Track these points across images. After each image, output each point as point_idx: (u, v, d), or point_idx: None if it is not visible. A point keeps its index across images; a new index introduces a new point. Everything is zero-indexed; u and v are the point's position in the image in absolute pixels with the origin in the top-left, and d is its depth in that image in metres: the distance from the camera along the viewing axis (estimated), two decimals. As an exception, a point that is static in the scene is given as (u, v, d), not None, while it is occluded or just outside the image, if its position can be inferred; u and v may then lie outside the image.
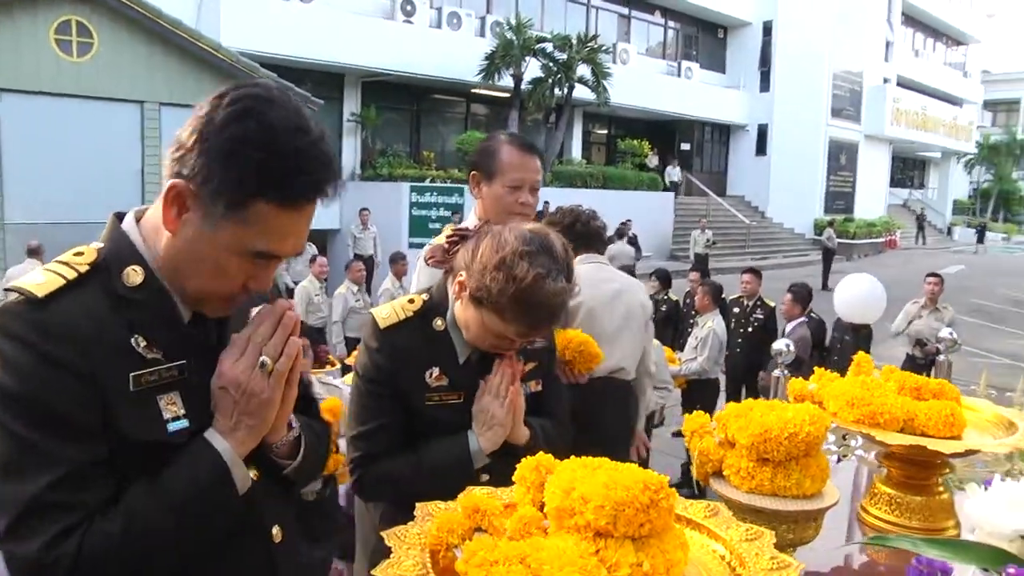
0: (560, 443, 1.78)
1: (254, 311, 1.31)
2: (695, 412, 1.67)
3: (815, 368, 2.03)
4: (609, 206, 17.31)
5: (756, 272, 7.99)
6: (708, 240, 19.58)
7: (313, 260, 9.70)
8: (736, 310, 7.76)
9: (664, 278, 9.07)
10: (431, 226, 16.25)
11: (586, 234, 3.09)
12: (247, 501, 1.23)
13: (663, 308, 8.76)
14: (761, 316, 7.63)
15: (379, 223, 15.00)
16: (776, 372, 2.67)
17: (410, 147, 20.79)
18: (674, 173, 25.52)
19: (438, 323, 1.82)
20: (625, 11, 26.25)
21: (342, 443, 3.24)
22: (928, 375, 2.03)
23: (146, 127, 12.57)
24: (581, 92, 20.45)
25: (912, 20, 35.74)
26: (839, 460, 2.52)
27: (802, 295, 7.22)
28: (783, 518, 1.47)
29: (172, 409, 1.16)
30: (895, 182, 37.03)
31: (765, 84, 29.17)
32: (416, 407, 1.80)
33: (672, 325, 8.75)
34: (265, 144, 1.11)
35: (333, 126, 18.64)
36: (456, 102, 22.17)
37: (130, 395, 1.12)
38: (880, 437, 1.70)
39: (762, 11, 28.79)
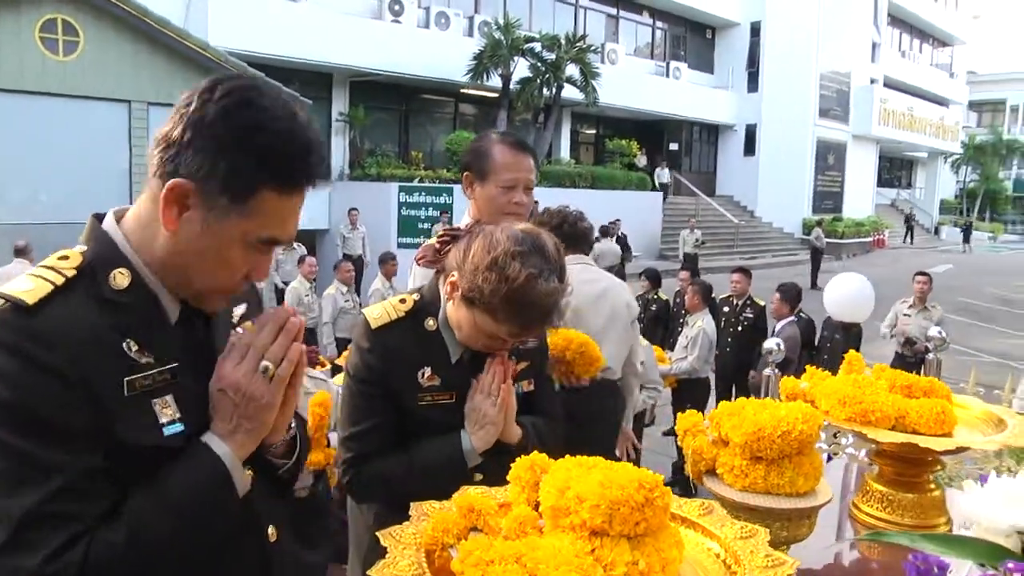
0: (553, 442, 1.78)
1: (236, 310, 1.31)
2: (688, 411, 1.68)
3: (806, 367, 2.04)
4: (598, 206, 17.35)
5: (746, 271, 8.01)
6: (697, 240, 19.64)
7: (302, 260, 9.67)
8: (726, 309, 7.78)
9: (654, 278, 9.08)
10: (420, 226, 16.24)
11: (573, 235, 3.09)
12: (244, 501, 1.22)
13: (653, 307, 8.78)
14: (751, 315, 7.66)
15: (368, 223, 14.97)
16: (767, 371, 2.67)
17: (398, 147, 20.75)
18: (663, 175, 25.57)
19: (430, 323, 1.81)
20: (613, 11, 26.29)
21: (333, 437, 3.23)
22: (917, 374, 2.04)
23: (133, 127, 12.50)
24: (569, 92, 20.46)
25: (898, 21, 35.95)
26: (829, 458, 2.53)
27: (791, 294, 7.24)
28: (777, 516, 1.47)
29: (167, 413, 1.15)
30: (883, 182, 37.24)
31: (753, 84, 29.27)
32: (408, 407, 1.79)
33: (662, 324, 8.77)
34: (266, 132, 1.12)
35: (321, 126, 18.57)
36: (444, 102, 22.15)
37: (124, 400, 1.10)
38: (872, 435, 1.71)
39: (750, 12, 28.89)
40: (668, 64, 27.39)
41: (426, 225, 16.13)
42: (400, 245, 14.86)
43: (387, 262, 9.10)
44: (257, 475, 1.26)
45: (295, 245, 12.05)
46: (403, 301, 1.85)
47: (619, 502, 1.04)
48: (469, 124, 22.07)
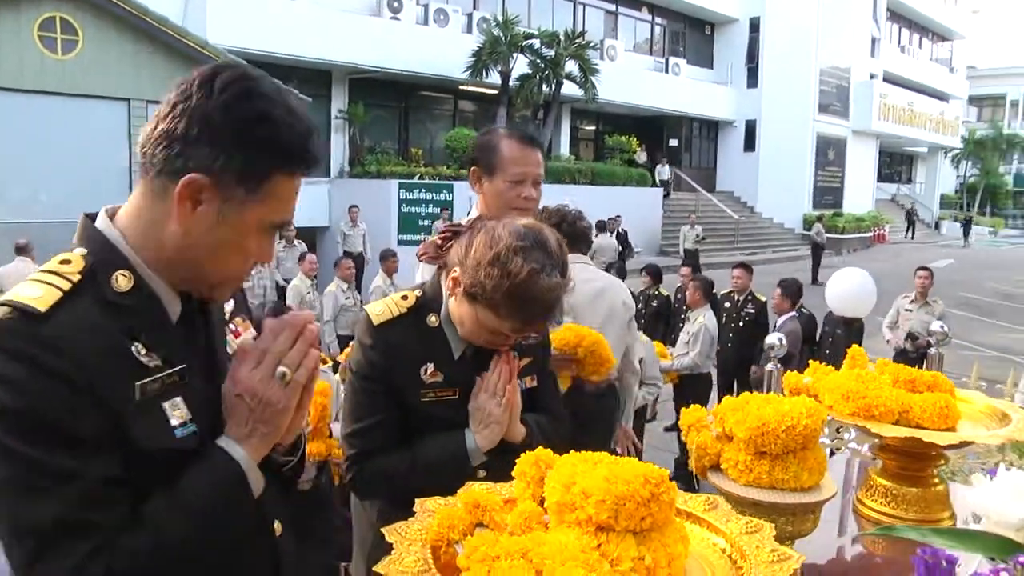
0: (556, 439, 1.77)
1: (227, 307, 1.31)
2: (691, 406, 1.67)
3: (808, 362, 2.04)
4: (598, 202, 17.36)
5: (747, 267, 8.01)
6: (698, 236, 19.64)
7: (303, 258, 9.66)
8: (727, 305, 7.77)
9: (655, 273, 9.08)
10: (420, 223, 16.23)
11: (572, 234, 3.08)
12: (255, 501, 1.22)
13: (654, 303, 8.78)
14: (752, 311, 7.65)
15: (368, 220, 14.97)
16: (768, 366, 2.67)
17: (398, 144, 20.74)
18: (664, 172, 25.54)
19: (432, 319, 1.81)
20: (612, 7, 26.25)
21: (335, 427, 3.23)
22: (920, 368, 2.04)
23: (133, 125, 12.48)
24: (569, 88, 20.44)
25: (898, 16, 35.92)
26: (832, 453, 2.53)
27: (792, 290, 7.23)
28: (781, 511, 1.47)
29: (178, 415, 1.14)
30: (883, 177, 37.22)
31: (753, 80, 29.25)
32: (411, 404, 1.79)
33: (663, 320, 8.76)
34: (273, 120, 1.13)
35: (321, 123, 18.56)
36: (444, 99, 22.13)
37: (136, 404, 1.09)
38: (876, 429, 1.71)
39: (749, 7, 28.86)
40: (667, 60, 27.37)
41: (426, 222, 16.14)
42: (400, 242, 14.86)
43: (388, 259, 9.09)
44: (264, 472, 1.25)
45: (296, 242, 12.04)
46: (405, 297, 1.84)
47: (625, 497, 1.03)
48: (469, 121, 22.05)
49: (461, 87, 20.87)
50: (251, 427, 1.18)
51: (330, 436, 3.25)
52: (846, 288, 7.00)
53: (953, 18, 40.00)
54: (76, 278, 1.09)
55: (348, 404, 1.84)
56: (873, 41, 32.51)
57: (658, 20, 28.02)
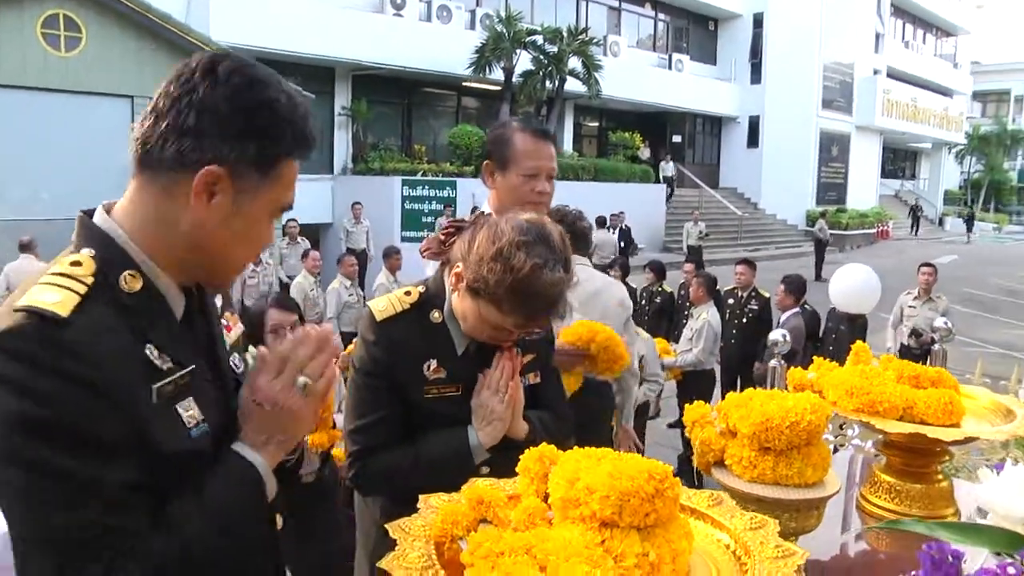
0: (559, 436, 1.77)
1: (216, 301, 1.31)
2: (695, 403, 1.67)
3: (812, 358, 2.03)
4: (601, 198, 17.37)
5: (750, 263, 7.99)
6: (701, 232, 19.61)
7: (306, 255, 9.66)
8: (731, 301, 7.76)
9: (659, 270, 9.07)
10: (424, 219, 16.23)
11: (572, 234, 3.05)
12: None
13: (657, 300, 8.77)
14: (756, 307, 7.64)
15: (371, 217, 14.96)
16: (772, 362, 2.67)
17: (401, 141, 20.74)
18: (668, 168, 25.50)
19: (435, 315, 1.81)
20: (615, 3, 26.22)
21: (338, 418, 3.22)
22: (923, 365, 2.03)
23: (136, 122, 12.46)
24: (572, 85, 20.42)
25: (902, 11, 35.80)
26: (835, 450, 2.52)
27: (795, 286, 7.22)
28: (785, 507, 1.47)
29: (191, 416, 1.14)
30: (886, 173, 37.13)
31: (756, 76, 29.19)
32: (414, 400, 1.78)
33: (667, 317, 8.76)
34: (279, 106, 1.15)
35: (324, 120, 18.55)
36: (447, 95, 22.12)
37: (153, 408, 1.09)
38: (880, 425, 1.70)
39: (752, 3, 28.82)
40: (671, 56, 27.33)
41: (430, 219, 16.14)
42: (404, 239, 14.86)
43: (391, 256, 9.08)
44: None
45: (299, 239, 12.05)
46: (408, 293, 1.84)
47: (629, 493, 1.03)
48: (472, 118, 22.04)
49: (464, 84, 20.88)
50: (269, 435, 1.19)
51: (333, 427, 3.24)
52: (850, 284, 6.98)
53: (957, 13, 39.86)
54: (90, 280, 1.07)
55: (351, 400, 1.83)
56: (877, 36, 32.43)
57: (661, 16, 27.98)
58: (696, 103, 27.65)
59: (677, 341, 7.24)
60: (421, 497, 1.22)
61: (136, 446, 1.05)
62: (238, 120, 1.11)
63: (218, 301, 1.36)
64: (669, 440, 7.05)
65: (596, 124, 27.09)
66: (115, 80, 12.33)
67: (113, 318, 1.07)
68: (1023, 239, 37.08)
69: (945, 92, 39.15)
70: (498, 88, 20.01)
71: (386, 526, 1.12)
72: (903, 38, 36.89)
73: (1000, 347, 11.41)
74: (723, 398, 1.63)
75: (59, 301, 1.03)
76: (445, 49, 19.01)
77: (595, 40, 21.08)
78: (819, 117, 28.94)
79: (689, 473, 5.36)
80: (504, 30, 19.02)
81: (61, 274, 1.07)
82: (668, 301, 8.85)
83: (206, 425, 1.15)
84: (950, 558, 0.88)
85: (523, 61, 19.62)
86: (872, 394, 1.74)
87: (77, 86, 12.06)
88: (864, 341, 2.05)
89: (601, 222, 15.70)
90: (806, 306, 7.27)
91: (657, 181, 24.38)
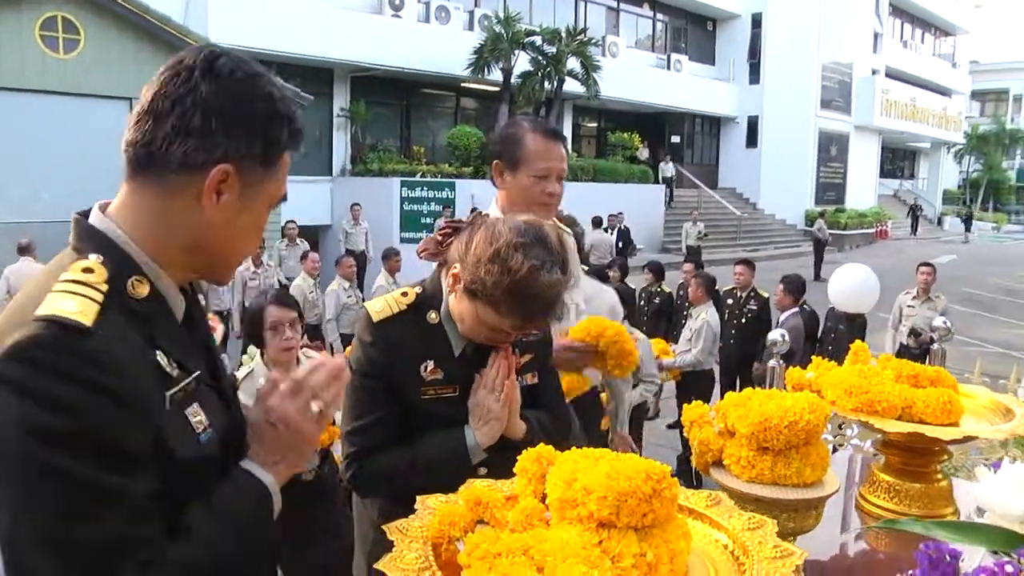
0: (557, 436, 1.77)
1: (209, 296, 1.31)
2: (694, 403, 1.67)
3: (811, 358, 2.03)
4: (600, 199, 17.37)
5: (749, 263, 7.99)
6: (700, 232, 19.61)
7: (305, 257, 9.64)
8: (729, 301, 7.76)
9: (657, 270, 9.06)
10: (422, 221, 16.23)
11: None
12: None
13: (656, 300, 8.76)
14: (755, 307, 7.64)
15: (370, 218, 14.96)
16: (771, 362, 2.67)
17: (400, 142, 20.73)
18: (668, 169, 25.47)
19: (432, 316, 1.80)
20: (614, 4, 26.22)
21: (338, 416, 3.22)
22: (922, 364, 2.03)
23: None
24: (571, 85, 20.42)
25: (900, 11, 35.82)
26: (835, 450, 2.52)
27: (794, 286, 7.22)
28: (784, 507, 1.47)
29: (199, 421, 1.14)
30: (885, 173, 37.14)
31: (755, 76, 29.20)
32: (411, 401, 1.78)
33: (666, 317, 8.75)
34: (276, 100, 1.16)
35: (323, 121, 18.56)
36: (446, 96, 22.12)
37: (166, 414, 1.08)
38: (879, 424, 1.70)
39: (751, 3, 28.82)
40: (669, 56, 27.34)
41: (428, 220, 16.14)
42: (403, 240, 14.86)
43: (390, 258, 9.06)
44: None
45: (298, 241, 12.04)
46: (405, 294, 1.83)
47: (626, 493, 1.03)
48: (470, 118, 22.04)
49: (463, 84, 20.86)
50: (281, 455, 1.20)
51: (333, 423, 3.24)
52: (849, 284, 6.98)
53: (956, 13, 39.90)
54: (104, 288, 1.06)
55: (348, 402, 1.83)
56: (875, 36, 32.45)
57: (660, 16, 27.99)
58: (695, 103, 27.66)
59: (676, 341, 7.23)
60: (418, 498, 1.22)
61: (154, 454, 1.05)
62: (243, 117, 1.12)
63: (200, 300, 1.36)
64: (668, 440, 7.05)
65: (595, 125, 27.09)
66: (113, 82, 12.31)
67: (126, 325, 1.06)
68: (1022, 238, 37.09)
69: (944, 92, 39.17)
70: (497, 89, 20.00)
71: (383, 527, 1.11)
72: (902, 38, 36.91)
73: (999, 346, 11.41)
74: (722, 398, 1.63)
75: (80, 310, 1.01)
76: (443, 50, 19.00)
77: (594, 41, 21.08)
78: (818, 117, 28.95)
79: (688, 473, 5.36)
80: (503, 31, 19.02)
81: (76, 281, 1.05)
82: (667, 301, 8.84)
83: (211, 431, 1.15)
84: (948, 557, 0.88)
85: (522, 62, 19.62)
86: (871, 393, 1.74)
87: (76, 88, 12.05)
88: (863, 341, 2.05)
89: (597, 222, 15.69)
90: (805, 306, 7.27)
91: (656, 181, 24.38)
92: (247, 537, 1.15)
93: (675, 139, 28.65)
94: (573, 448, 1.18)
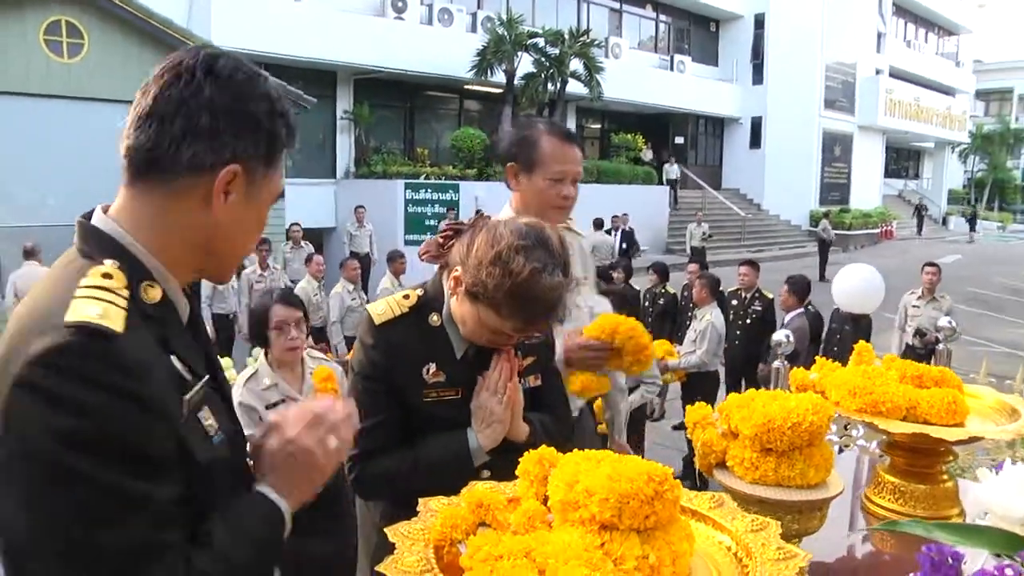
0: (560, 438, 1.76)
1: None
2: (697, 404, 1.66)
3: (815, 359, 2.02)
4: (604, 200, 17.35)
5: (753, 264, 7.98)
6: (704, 233, 19.59)
7: (309, 259, 9.65)
8: (734, 302, 7.75)
9: (662, 271, 9.06)
10: (427, 223, 16.24)
11: None
12: None
13: (661, 301, 8.77)
14: (759, 308, 7.62)
15: (374, 221, 14.96)
16: (776, 363, 2.66)
17: (404, 144, 20.76)
18: (672, 171, 25.45)
19: (434, 318, 1.80)
20: (616, 5, 26.23)
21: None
22: (929, 365, 2.02)
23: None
24: (574, 87, 20.44)
25: (903, 11, 35.75)
26: (840, 450, 2.51)
27: (799, 286, 7.21)
28: (788, 508, 1.46)
29: (211, 424, 1.14)
30: (890, 173, 37.07)
31: (758, 77, 29.19)
32: (413, 403, 1.78)
33: (670, 318, 8.75)
34: (275, 99, 1.17)
35: (326, 124, 18.59)
36: (449, 98, 22.14)
37: (184, 419, 1.08)
38: (883, 425, 1.69)
39: (754, 4, 28.81)
40: (672, 57, 27.33)
41: (433, 222, 16.14)
42: (407, 242, 14.88)
43: (396, 260, 9.06)
44: None
45: (302, 243, 12.05)
46: (407, 297, 1.83)
47: (628, 495, 1.03)
48: (474, 120, 22.07)
49: (466, 86, 20.87)
50: (298, 485, 1.21)
51: None
52: (853, 284, 6.96)
53: (959, 12, 39.80)
54: (125, 293, 1.06)
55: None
56: (879, 36, 32.40)
57: (663, 18, 27.99)
58: (698, 104, 27.64)
59: (681, 343, 7.22)
60: (420, 501, 1.21)
61: (178, 459, 1.05)
62: (248, 117, 1.13)
63: None
64: (674, 442, 7.04)
65: (598, 126, 27.09)
66: (117, 86, 12.31)
67: (145, 330, 1.06)
68: (1028, 238, 36.98)
69: (948, 91, 39.09)
70: (500, 91, 20.03)
71: (385, 530, 1.11)
72: (905, 37, 36.84)
73: (1005, 346, 11.37)
74: (727, 399, 1.62)
75: (109, 316, 1.01)
76: (446, 52, 19.02)
77: (596, 42, 21.09)
78: (821, 117, 28.90)
79: (693, 475, 5.35)
80: (505, 33, 19.04)
81: (98, 287, 1.04)
82: (671, 303, 8.84)
83: (222, 433, 1.16)
84: (950, 560, 0.87)
85: (525, 63, 19.64)
86: (875, 394, 1.73)
87: (80, 92, 12.07)
88: (868, 341, 2.04)
89: (598, 224, 15.67)
90: (810, 307, 7.26)
91: (660, 183, 24.36)
92: (261, 558, 1.17)
93: (679, 140, 28.64)
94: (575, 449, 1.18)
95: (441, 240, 1.84)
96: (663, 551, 1.04)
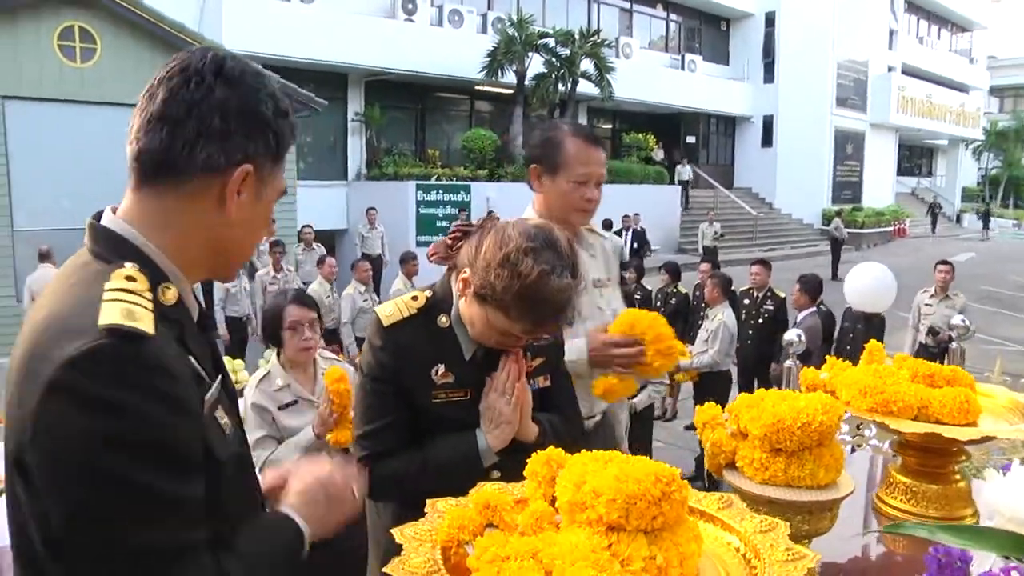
0: (569, 438, 1.76)
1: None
2: (706, 404, 1.66)
3: (826, 357, 2.01)
4: (615, 200, 17.29)
5: (765, 263, 7.95)
6: (716, 233, 19.54)
7: (321, 261, 9.67)
8: (746, 302, 7.72)
9: (673, 271, 9.05)
10: (438, 224, 16.26)
11: None
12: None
13: (672, 301, 8.75)
14: (771, 307, 7.60)
15: (386, 222, 14.99)
16: (787, 362, 2.65)
17: (415, 146, 20.79)
18: (685, 172, 25.37)
19: (442, 320, 1.80)
20: (627, 5, 26.19)
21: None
22: (942, 363, 2.01)
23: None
24: (585, 87, 20.42)
25: (916, 7, 35.52)
26: (853, 450, 2.50)
27: (811, 286, 7.18)
28: (798, 509, 1.45)
29: (226, 423, 1.16)
30: (902, 170, 36.82)
31: (769, 75, 29.07)
32: (422, 405, 1.78)
33: (682, 318, 8.72)
34: (279, 97, 1.19)
35: (338, 126, 18.64)
36: (460, 100, 22.16)
37: (205, 418, 1.10)
38: (894, 425, 1.68)
39: (765, 2, 28.70)
40: (683, 57, 27.27)
41: (444, 223, 16.18)
42: (419, 243, 14.90)
43: (408, 262, 9.06)
44: None
45: (315, 245, 12.08)
46: (415, 298, 1.83)
47: (635, 496, 1.02)
48: (485, 121, 22.08)
49: (477, 87, 20.89)
50: (321, 518, 1.25)
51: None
52: (864, 283, 6.92)
53: (973, 7, 39.47)
54: (150, 296, 1.07)
55: (359, 406, 1.83)
56: (891, 33, 32.21)
57: (673, 17, 27.93)
58: (709, 103, 27.57)
59: (693, 342, 7.20)
60: (428, 502, 1.22)
61: (202, 458, 1.06)
62: (258, 117, 1.14)
63: None
64: (686, 442, 7.02)
65: (609, 126, 27.05)
66: (130, 90, 12.34)
67: (168, 332, 1.07)
68: (1043, 236, 36.68)
69: (961, 88, 38.81)
70: (511, 92, 20.04)
71: (392, 531, 1.11)
72: (917, 34, 36.60)
73: (1020, 344, 11.29)
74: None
75: (139, 318, 1.02)
76: (457, 53, 19.04)
77: (607, 42, 21.07)
78: (833, 115, 28.76)
79: (706, 475, 5.33)
80: (516, 33, 19.04)
81: (125, 290, 1.05)
82: (683, 302, 8.82)
83: (234, 428, 1.18)
84: (958, 562, 0.86)
85: (535, 64, 19.64)
86: (886, 393, 1.72)
87: (93, 96, 12.14)
88: (881, 340, 2.03)
89: (607, 225, 15.63)
90: (822, 306, 7.23)
91: (672, 182, 24.31)
92: (280, 572, 1.19)
93: (690, 139, 28.57)
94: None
95: (449, 241, 1.85)
96: (670, 552, 1.03)
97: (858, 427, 2.63)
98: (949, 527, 1.00)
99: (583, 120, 24.44)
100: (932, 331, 7.73)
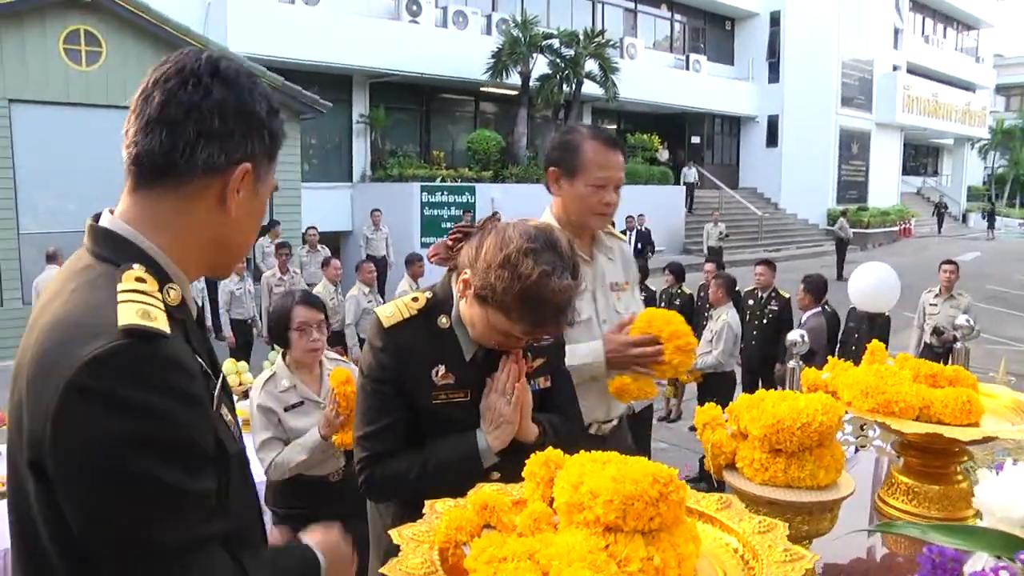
0: (570, 439, 1.76)
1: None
2: (707, 405, 1.66)
3: (828, 358, 2.01)
4: (621, 200, 17.29)
5: (770, 264, 7.94)
6: (721, 233, 19.52)
7: (326, 263, 9.67)
8: (750, 302, 7.71)
9: (678, 272, 9.04)
10: (443, 225, 16.27)
11: None
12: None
13: (677, 302, 8.74)
14: (776, 308, 7.58)
15: (391, 224, 15.01)
16: (791, 363, 2.64)
17: (420, 147, 20.80)
18: (690, 174, 25.33)
19: (443, 321, 1.81)
20: (631, 5, 26.17)
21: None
22: (946, 363, 2.00)
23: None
24: (589, 88, 20.42)
25: (921, 6, 35.42)
26: (857, 451, 2.49)
27: (816, 286, 7.17)
28: (798, 509, 1.45)
29: (230, 420, 1.19)
30: (908, 170, 36.72)
31: (774, 75, 29.01)
32: (423, 405, 1.78)
33: (686, 319, 8.70)
34: (271, 98, 1.21)
35: (342, 128, 18.66)
36: (465, 101, 22.15)
37: (215, 416, 1.12)
38: (896, 425, 1.68)
39: (769, 1, 28.65)
40: (688, 57, 27.23)
41: (449, 224, 16.15)
42: (423, 245, 14.92)
43: (413, 263, 9.05)
44: None
45: (319, 247, 12.10)
46: (416, 299, 1.84)
47: (633, 497, 1.02)
48: (490, 123, 22.09)
49: (481, 89, 20.89)
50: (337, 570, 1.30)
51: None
52: (868, 282, 6.90)
53: (978, 6, 39.30)
54: (159, 296, 1.09)
55: (360, 407, 1.84)
56: (896, 32, 32.13)
57: (678, 17, 27.90)
58: (714, 103, 27.53)
59: (697, 343, 7.19)
60: (427, 503, 1.22)
61: (215, 453, 1.09)
62: (254, 117, 1.16)
63: None
64: (690, 443, 7.01)
65: (614, 127, 26.99)
66: (134, 93, 12.43)
67: (178, 332, 1.09)
68: (1050, 235, 36.51)
69: (967, 86, 38.67)
70: (515, 93, 20.04)
71: (390, 532, 1.12)
72: (923, 33, 36.48)
73: (1026, 344, 11.25)
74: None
75: (155, 318, 1.04)
76: (462, 55, 19.05)
77: (611, 43, 21.05)
78: (838, 115, 28.69)
79: (710, 476, 5.31)
80: (520, 34, 19.04)
81: (137, 291, 1.07)
82: (687, 303, 8.81)
83: (236, 423, 1.21)
84: (952, 563, 0.86)
85: (540, 65, 19.64)
86: (887, 394, 1.71)
87: (99, 100, 12.18)
88: (886, 340, 2.02)
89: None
90: (827, 306, 7.21)
91: (676, 183, 24.28)
92: None
93: (695, 140, 28.54)
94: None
95: (450, 243, 1.85)
96: (668, 553, 1.03)
97: (862, 427, 2.62)
98: (940, 526, 1.00)
99: (588, 121, 24.43)
100: (936, 331, 7.71)
